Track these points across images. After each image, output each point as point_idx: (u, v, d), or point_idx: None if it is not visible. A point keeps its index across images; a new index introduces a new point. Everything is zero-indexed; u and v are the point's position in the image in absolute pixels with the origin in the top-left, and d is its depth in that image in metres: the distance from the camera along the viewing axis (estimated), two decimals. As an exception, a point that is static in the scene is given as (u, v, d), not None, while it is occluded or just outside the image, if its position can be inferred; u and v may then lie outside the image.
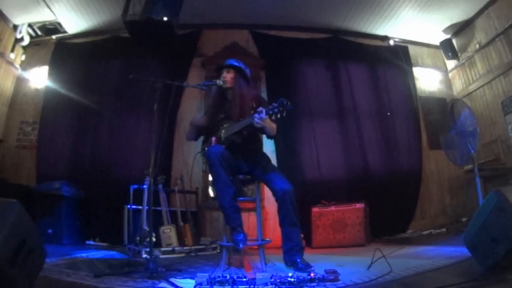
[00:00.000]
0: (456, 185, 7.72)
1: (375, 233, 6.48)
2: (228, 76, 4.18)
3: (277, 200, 3.73)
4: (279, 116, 3.46)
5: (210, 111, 4.32)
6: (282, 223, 3.74)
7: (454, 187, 7.77)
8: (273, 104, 3.49)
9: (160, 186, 5.96)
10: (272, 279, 2.83)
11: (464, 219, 6.87)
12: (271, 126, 3.80)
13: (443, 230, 6.87)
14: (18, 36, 7.71)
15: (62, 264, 3.96)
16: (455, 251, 4.08)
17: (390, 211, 7.00)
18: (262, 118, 3.51)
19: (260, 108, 3.55)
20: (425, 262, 3.61)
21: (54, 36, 8.09)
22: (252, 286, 2.78)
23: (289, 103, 3.41)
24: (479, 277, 2.65)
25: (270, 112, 3.47)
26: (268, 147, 5.66)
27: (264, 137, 4.27)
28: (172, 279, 3.02)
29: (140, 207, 5.69)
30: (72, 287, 2.91)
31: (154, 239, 4.46)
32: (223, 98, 4.24)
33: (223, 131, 4.02)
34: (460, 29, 8.03)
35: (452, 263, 3.47)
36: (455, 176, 7.74)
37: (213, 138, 4.10)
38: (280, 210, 3.71)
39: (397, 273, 3.10)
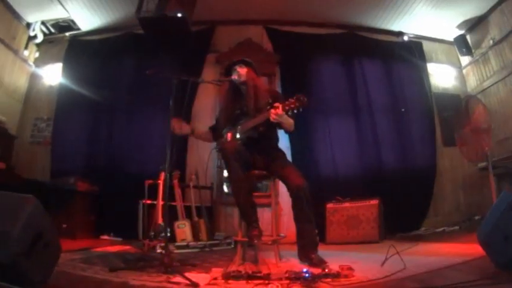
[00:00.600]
0: (470, 182, 7.67)
1: (389, 229, 6.43)
2: (242, 71, 4.21)
3: (292, 196, 3.72)
4: (295, 111, 3.48)
5: (225, 108, 4.34)
6: (296, 219, 3.74)
7: (467, 184, 7.71)
8: (290, 99, 3.51)
9: (175, 181, 5.98)
10: (287, 275, 2.83)
11: (477, 217, 6.82)
12: (289, 121, 3.83)
13: (457, 227, 6.83)
14: (32, 33, 7.79)
15: (77, 259, 3.98)
16: (469, 249, 4.05)
17: (404, 208, 6.95)
18: (278, 114, 3.52)
19: (276, 104, 3.57)
20: (439, 259, 3.60)
21: (67, 34, 8.16)
22: (266, 281, 2.78)
23: (305, 99, 3.43)
24: (492, 275, 2.63)
25: (287, 108, 3.49)
26: (283, 143, 5.66)
27: (280, 132, 4.28)
28: (187, 274, 3.02)
29: (155, 202, 5.74)
30: (87, 281, 2.92)
31: (168, 234, 4.48)
32: (238, 94, 4.25)
33: (239, 127, 4.04)
34: (474, 25, 7.96)
35: (465, 261, 3.44)
36: (469, 174, 7.68)
37: (228, 134, 4.12)
38: (295, 206, 3.71)
39: (411, 270, 3.08)
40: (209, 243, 5.65)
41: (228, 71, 4.35)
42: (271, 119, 3.61)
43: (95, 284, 2.84)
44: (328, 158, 7.35)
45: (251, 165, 3.91)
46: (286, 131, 4.12)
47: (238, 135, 4.00)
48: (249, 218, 3.67)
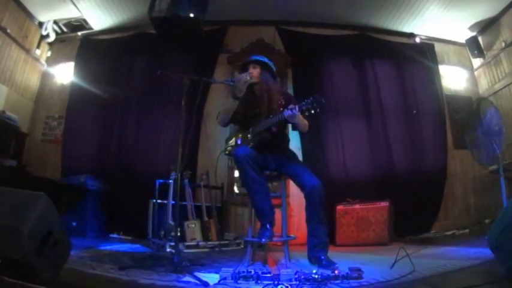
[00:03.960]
0: (480, 185, 7.61)
1: (398, 232, 6.44)
2: (254, 71, 4.18)
3: (305, 196, 3.72)
4: (312, 112, 3.48)
5: (239, 108, 4.33)
6: (308, 219, 3.74)
7: (478, 188, 7.66)
8: (307, 100, 3.51)
9: (186, 181, 5.99)
10: (296, 276, 2.83)
11: (487, 221, 6.79)
12: (304, 122, 3.86)
13: (466, 231, 6.80)
14: (44, 32, 7.84)
15: (87, 257, 4.01)
16: (478, 252, 4.05)
17: (414, 210, 6.92)
18: (294, 114, 3.53)
19: (291, 106, 3.57)
20: (448, 262, 3.59)
21: (79, 33, 8.20)
22: (276, 282, 2.78)
23: (323, 100, 3.43)
24: (502, 279, 2.62)
25: (304, 108, 3.50)
26: (295, 144, 5.66)
27: (291, 134, 4.27)
28: (197, 274, 3.03)
29: (165, 201, 5.77)
30: (97, 279, 2.94)
31: (178, 234, 4.49)
32: (251, 94, 4.20)
33: (251, 129, 4.03)
34: (486, 26, 7.90)
35: (475, 264, 3.44)
36: (480, 176, 7.61)
37: (238, 138, 4.13)
38: (308, 207, 3.71)
39: (420, 273, 3.08)
40: (219, 243, 5.68)
41: (243, 71, 4.31)
42: (287, 117, 3.62)
43: (105, 282, 2.86)
44: (339, 160, 7.34)
45: (263, 167, 3.90)
46: (300, 132, 4.13)
47: (250, 137, 4.00)
48: (265, 219, 3.67)
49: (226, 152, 4.30)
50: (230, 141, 4.28)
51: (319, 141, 7.36)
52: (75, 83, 7.78)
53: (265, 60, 4.31)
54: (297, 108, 3.53)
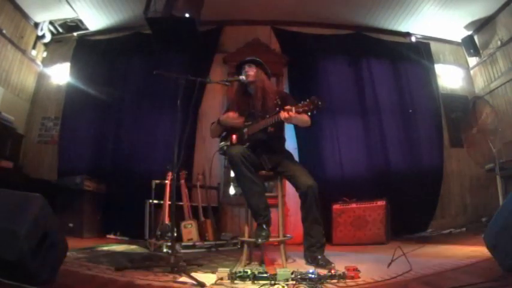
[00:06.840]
0: (477, 184, 7.62)
1: (395, 231, 6.41)
2: (250, 70, 4.19)
3: (300, 196, 3.73)
4: (309, 114, 3.47)
5: (234, 108, 4.32)
6: (304, 219, 3.76)
7: (474, 186, 7.67)
8: (303, 102, 3.49)
9: (182, 181, 5.99)
10: (293, 275, 2.83)
11: (484, 219, 6.80)
12: (303, 119, 3.81)
13: (463, 229, 6.80)
14: (40, 33, 7.83)
15: (83, 258, 3.99)
16: (475, 251, 4.04)
17: (411, 209, 6.92)
18: (290, 116, 3.52)
19: (288, 107, 3.56)
20: (445, 261, 3.57)
21: (75, 33, 8.19)
22: (272, 282, 2.78)
23: (319, 102, 3.41)
24: (499, 278, 2.62)
25: (300, 110, 3.47)
26: (291, 143, 5.63)
27: (287, 133, 4.26)
28: (193, 274, 3.02)
29: (161, 202, 5.76)
30: (93, 280, 2.92)
31: (175, 234, 4.49)
32: (246, 94, 4.23)
33: (245, 129, 4.03)
34: (482, 25, 7.92)
35: (472, 263, 3.43)
36: (477, 175, 7.62)
37: (234, 136, 4.11)
38: (303, 207, 3.72)
39: (417, 272, 3.08)
40: (215, 244, 5.67)
41: (239, 71, 4.34)
42: (282, 119, 3.60)
43: (101, 283, 2.85)
44: (335, 159, 7.33)
45: (259, 167, 3.89)
46: (299, 128, 4.12)
47: (245, 137, 3.99)
48: (260, 219, 3.67)
49: (221, 152, 4.29)
50: (225, 141, 4.26)
51: (316, 141, 7.35)
52: (71, 84, 7.78)
53: (258, 59, 4.31)
54: (293, 110, 3.52)
